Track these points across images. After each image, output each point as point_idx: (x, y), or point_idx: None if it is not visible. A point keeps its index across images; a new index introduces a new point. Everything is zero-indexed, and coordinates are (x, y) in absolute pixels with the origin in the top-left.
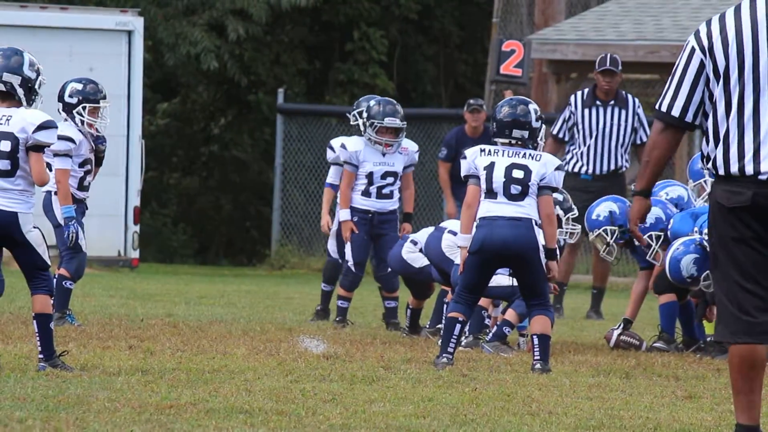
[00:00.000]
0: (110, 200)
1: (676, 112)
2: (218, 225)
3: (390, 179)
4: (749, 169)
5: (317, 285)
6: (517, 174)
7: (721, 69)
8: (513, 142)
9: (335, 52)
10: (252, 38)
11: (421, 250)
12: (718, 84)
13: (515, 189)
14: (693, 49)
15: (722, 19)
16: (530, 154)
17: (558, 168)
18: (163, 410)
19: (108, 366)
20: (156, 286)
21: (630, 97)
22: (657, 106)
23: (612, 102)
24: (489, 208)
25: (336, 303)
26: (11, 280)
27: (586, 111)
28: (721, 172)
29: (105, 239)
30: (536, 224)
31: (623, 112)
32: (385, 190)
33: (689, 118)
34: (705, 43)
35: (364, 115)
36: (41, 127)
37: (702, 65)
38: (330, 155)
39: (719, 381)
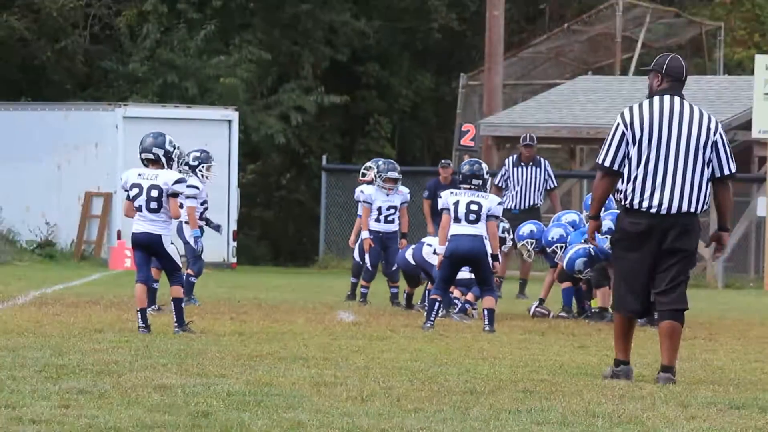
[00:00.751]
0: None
1: (608, 163)
2: (286, 241)
3: (392, 211)
4: (645, 205)
5: (348, 279)
6: (474, 207)
7: (637, 137)
8: (472, 187)
9: (358, 132)
10: (306, 123)
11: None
12: (633, 146)
13: (472, 216)
14: (619, 124)
15: (640, 107)
16: (482, 195)
17: (499, 204)
18: (252, 358)
19: (217, 330)
20: (247, 280)
21: (542, 160)
22: (597, 161)
23: (531, 163)
24: (456, 229)
25: (360, 290)
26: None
27: (515, 169)
28: (628, 205)
29: (215, 250)
30: (485, 239)
31: (538, 169)
32: (389, 218)
33: (616, 167)
34: (627, 120)
35: (375, 171)
36: (177, 182)
37: (623, 134)
38: (357, 197)
39: (600, 337)
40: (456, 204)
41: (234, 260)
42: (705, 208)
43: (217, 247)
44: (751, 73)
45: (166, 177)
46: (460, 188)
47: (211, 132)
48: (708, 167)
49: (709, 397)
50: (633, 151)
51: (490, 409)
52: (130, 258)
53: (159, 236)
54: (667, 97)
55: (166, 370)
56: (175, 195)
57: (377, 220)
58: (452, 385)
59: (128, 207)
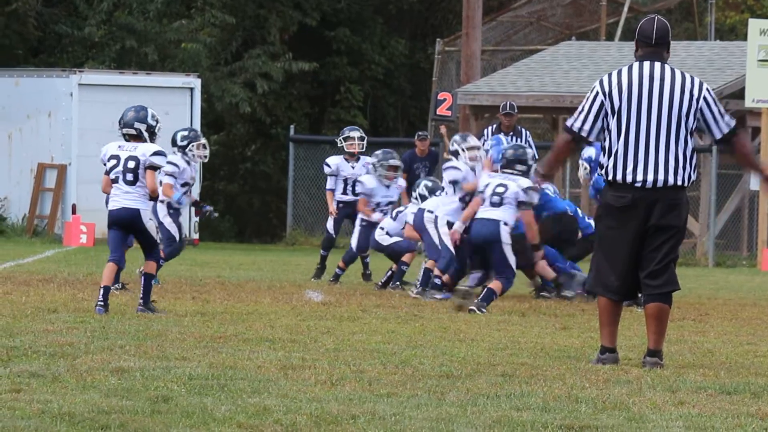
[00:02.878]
0: None
1: (576, 128)
2: (251, 216)
3: (390, 206)
4: (629, 179)
5: (317, 256)
6: (499, 189)
7: (616, 108)
8: (515, 172)
9: (328, 101)
10: (273, 92)
11: (388, 234)
12: (613, 118)
13: (495, 199)
14: (597, 93)
15: (619, 74)
16: (511, 177)
17: (529, 188)
18: (215, 340)
19: (179, 310)
20: (210, 257)
21: (523, 129)
22: (567, 123)
23: (511, 133)
24: (479, 213)
25: (336, 270)
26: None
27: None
28: (610, 178)
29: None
30: (502, 224)
31: (518, 139)
32: (385, 211)
33: (587, 135)
34: (606, 89)
35: (375, 161)
36: (155, 153)
37: (602, 105)
38: (326, 169)
39: (583, 318)
40: (486, 186)
41: (196, 236)
42: (693, 179)
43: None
44: (745, 38)
45: (144, 149)
46: (503, 172)
47: (171, 100)
48: (691, 137)
49: (698, 382)
50: (612, 123)
51: (467, 394)
52: (86, 234)
53: (137, 210)
54: (647, 64)
55: (124, 353)
56: (153, 168)
57: (372, 211)
58: (427, 369)
59: (106, 182)
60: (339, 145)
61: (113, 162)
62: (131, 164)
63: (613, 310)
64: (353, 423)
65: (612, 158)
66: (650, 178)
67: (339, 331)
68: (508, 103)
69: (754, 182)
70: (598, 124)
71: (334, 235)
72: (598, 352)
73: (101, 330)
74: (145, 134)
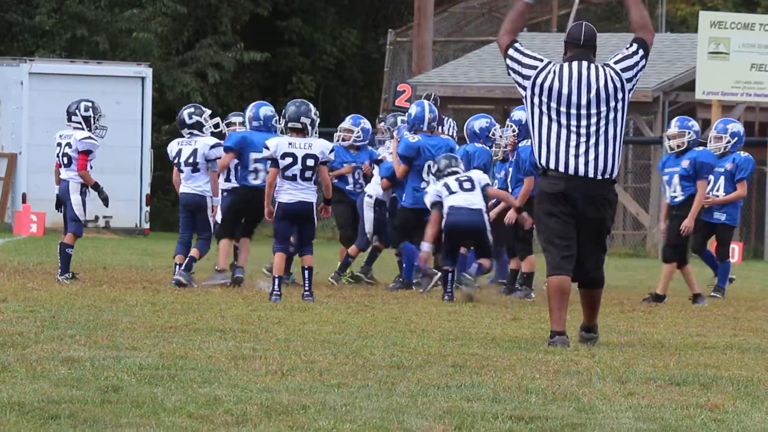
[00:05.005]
0: (130, 190)
1: (507, 43)
2: None
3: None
4: (561, 169)
5: (268, 246)
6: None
7: (536, 96)
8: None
9: (280, 91)
10: (224, 82)
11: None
12: (535, 103)
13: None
14: (537, 67)
15: (553, 71)
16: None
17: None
18: (166, 330)
19: (129, 300)
20: (161, 247)
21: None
22: (508, 43)
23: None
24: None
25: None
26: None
27: None
28: (544, 166)
29: (127, 215)
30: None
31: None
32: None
33: (511, 52)
34: (538, 79)
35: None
36: (331, 151)
37: (528, 76)
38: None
39: (533, 308)
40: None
41: (147, 226)
42: (616, 173)
43: (130, 211)
44: (695, 31)
45: (321, 145)
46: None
47: (122, 89)
48: (620, 127)
49: (648, 373)
50: (536, 113)
51: (417, 385)
52: (36, 224)
53: (311, 204)
54: (575, 63)
55: (74, 342)
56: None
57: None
58: (378, 359)
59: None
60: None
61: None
62: (310, 162)
63: (559, 288)
64: (304, 413)
65: (545, 149)
66: (581, 169)
67: (290, 322)
68: (430, 94)
69: None
70: (518, 66)
71: None
72: (549, 336)
73: (51, 320)
74: (309, 129)
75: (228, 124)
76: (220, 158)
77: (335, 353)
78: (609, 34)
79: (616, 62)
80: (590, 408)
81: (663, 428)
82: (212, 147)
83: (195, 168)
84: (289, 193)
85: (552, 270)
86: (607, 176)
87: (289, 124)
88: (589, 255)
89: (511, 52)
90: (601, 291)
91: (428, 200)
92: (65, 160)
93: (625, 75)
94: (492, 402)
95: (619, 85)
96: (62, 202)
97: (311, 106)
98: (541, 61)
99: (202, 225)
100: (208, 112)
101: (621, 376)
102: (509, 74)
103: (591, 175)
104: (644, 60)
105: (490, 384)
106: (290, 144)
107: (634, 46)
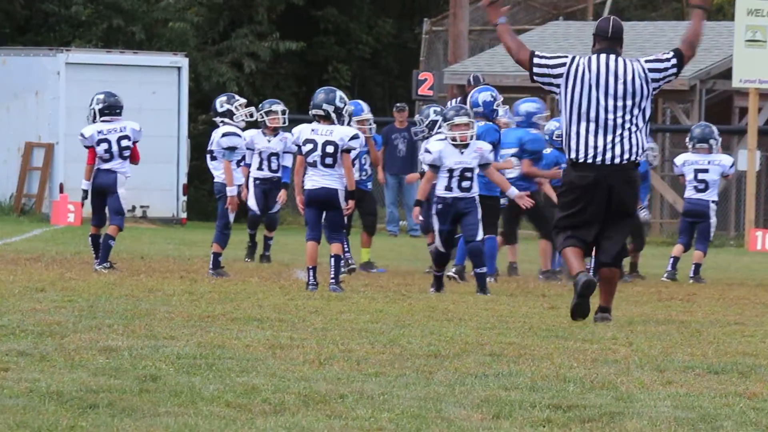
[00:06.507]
0: (167, 180)
1: (535, 55)
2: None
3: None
4: (590, 159)
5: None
6: None
7: (569, 88)
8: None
9: (316, 80)
10: (260, 71)
11: None
12: (564, 94)
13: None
14: (564, 64)
15: (581, 63)
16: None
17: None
18: (203, 319)
19: (166, 289)
20: (198, 236)
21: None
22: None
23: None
24: None
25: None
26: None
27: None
28: (573, 159)
29: (164, 205)
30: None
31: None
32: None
33: (535, 66)
34: (571, 71)
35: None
36: (352, 138)
37: (560, 74)
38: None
39: (571, 297)
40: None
41: (184, 215)
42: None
43: (167, 201)
44: (732, 18)
45: (341, 133)
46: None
47: (159, 79)
48: (646, 118)
49: (686, 362)
50: (566, 104)
51: (455, 374)
52: (73, 213)
53: (335, 190)
54: (603, 56)
55: (112, 332)
56: (349, 152)
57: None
58: (415, 348)
59: (300, 163)
60: (260, 119)
61: (310, 146)
62: (329, 149)
63: (573, 252)
64: (341, 402)
65: (574, 139)
66: (608, 157)
67: (327, 311)
68: (475, 76)
69: (741, 162)
70: (547, 69)
71: (258, 213)
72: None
73: (89, 309)
74: (333, 116)
75: (267, 113)
76: (233, 147)
77: (372, 342)
78: (645, 22)
79: (646, 61)
80: (628, 397)
81: (701, 417)
82: (224, 135)
83: (212, 156)
84: (312, 180)
85: (563, 243)
86: (633, 160)
87: (313, 111)
88: (611, 234)
89: (536, 60)
90: (617, 272)
91: (428, 160)
92: (118, 152)
93: (652, 75)
94: (530, 391)
95: (644, 80)
96: (103, 193)
97: (339, 93)
98: (567, 57)
99: (221, 213)
100: (242, 100)
101: (659, 365)
102: (537, 80)
103: (617, 162)
104: (675, 69)
105: (527, 373)
106: (313, 131)
107: (670, 54)
